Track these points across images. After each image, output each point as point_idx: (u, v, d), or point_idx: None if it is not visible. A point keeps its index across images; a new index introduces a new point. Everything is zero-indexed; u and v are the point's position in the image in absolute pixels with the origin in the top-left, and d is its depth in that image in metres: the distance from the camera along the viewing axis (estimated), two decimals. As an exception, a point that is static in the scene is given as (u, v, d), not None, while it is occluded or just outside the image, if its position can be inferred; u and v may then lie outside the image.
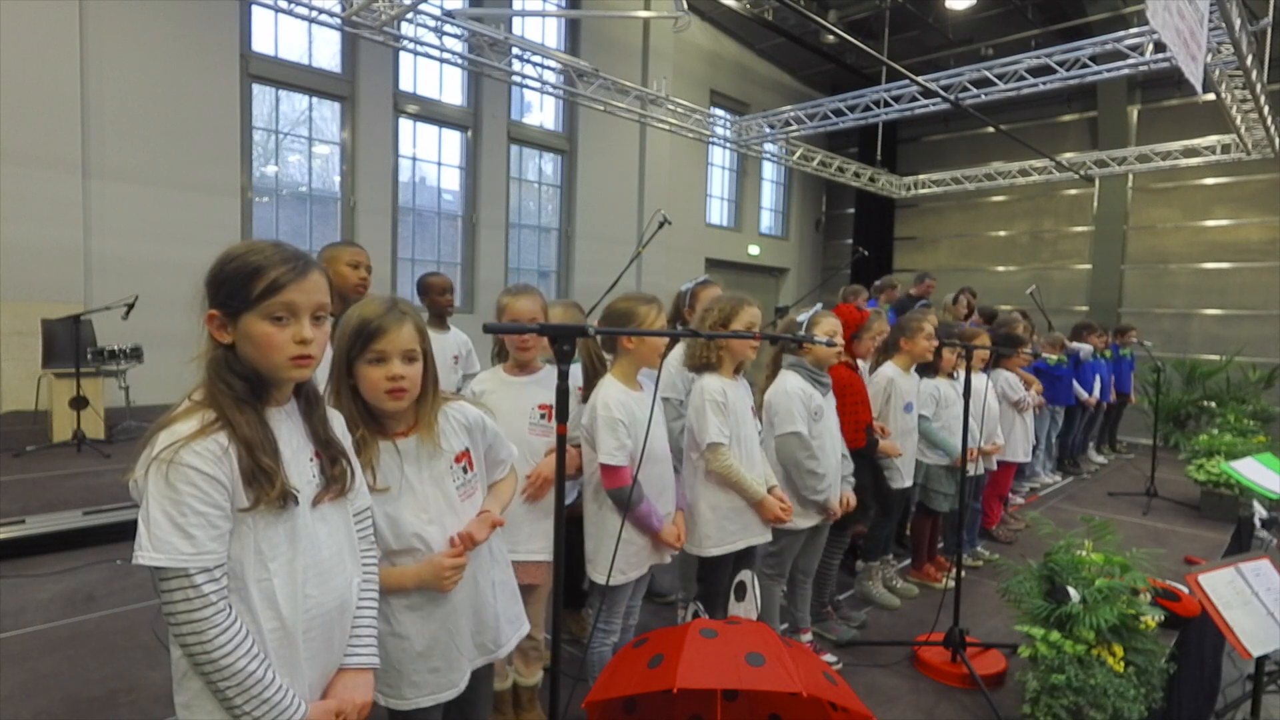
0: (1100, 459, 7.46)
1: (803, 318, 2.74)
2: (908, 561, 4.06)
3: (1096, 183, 11.18)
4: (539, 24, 9.90)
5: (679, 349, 2.95)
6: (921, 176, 12.32)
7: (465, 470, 1.57)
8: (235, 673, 1.07)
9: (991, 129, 9.24)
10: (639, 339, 2.17)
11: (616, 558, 2.02)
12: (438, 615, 1.51)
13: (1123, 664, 2.33)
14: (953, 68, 7.81)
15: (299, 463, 1.20)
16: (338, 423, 1.34)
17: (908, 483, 3.49)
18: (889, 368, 3.52)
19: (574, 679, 2.27)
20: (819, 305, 2.82)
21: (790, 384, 2.72)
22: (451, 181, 9.51)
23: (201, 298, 1.15)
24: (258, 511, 1.12)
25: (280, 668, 1.14)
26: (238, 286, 1.12)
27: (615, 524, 2.12)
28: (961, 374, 3.21)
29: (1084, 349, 6.29)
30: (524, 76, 7.69)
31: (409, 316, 1.46)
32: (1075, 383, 6.35)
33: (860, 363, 3.49)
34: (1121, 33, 6.78)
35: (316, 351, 1.18)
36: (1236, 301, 10.49)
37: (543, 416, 2.22)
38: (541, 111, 10.37)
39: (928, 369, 3.80)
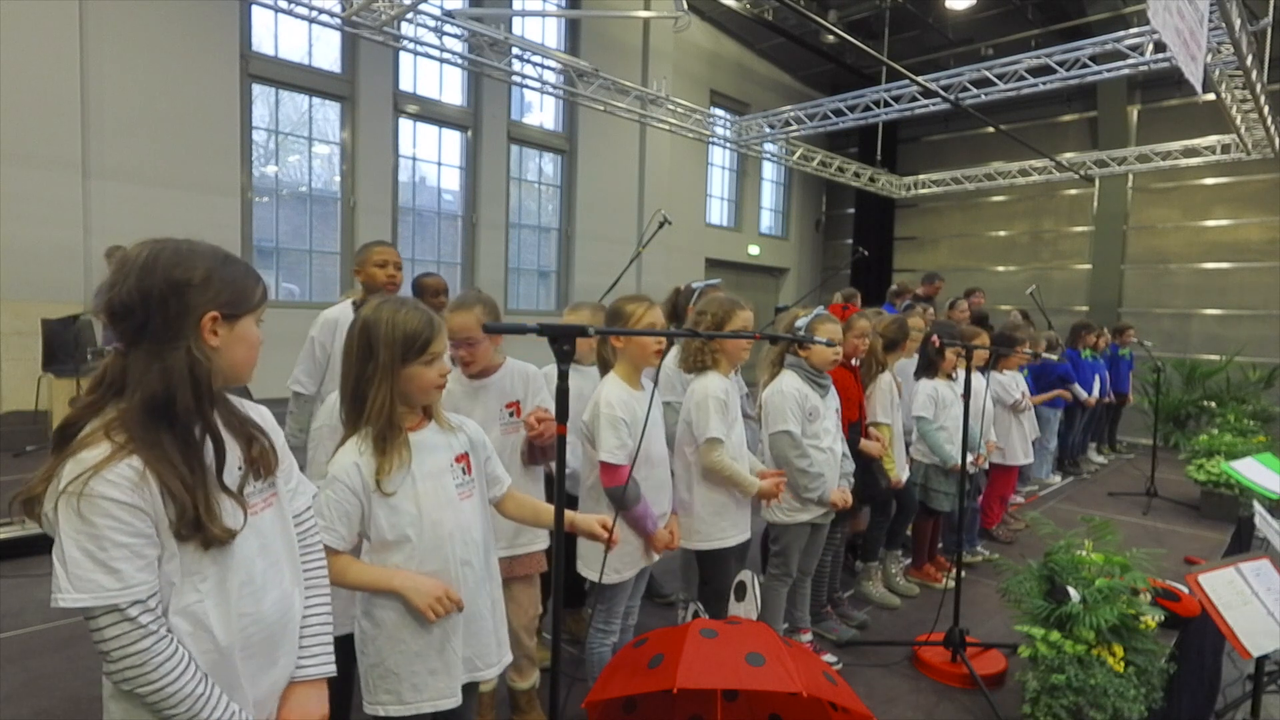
0: (1100, 459, 7.45)
1: (803, 321, 2.75)
2: (908, 562, 4.06)
3: (1096, 183, 11.18)
4: (539, 24, 9.90)
5: (676, 350, 2.96)
6: (921, 176, 12.31)
7: (464, 472, 1.60)
8: (184, 698, 1.03)
9: (991, 129, 9.24)
10: (627, 338, 2.18)
11: (610, 556, 2.02)
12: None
13: (1123, 664, 2.33)
14: (953, 68, 7.81)
15: (229, 470, 1.14)
16: (261, 419, 1.26)
17: (902, 478, 3.50)
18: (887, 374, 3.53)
19: (574, 679, 2.27)
20: (821, 308, 2.83)
21: (786, 384, 2.74)
22: (451, 181, 9.51)
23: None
24: (180, 542, 1.06)
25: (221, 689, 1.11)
26: (245, 288, 1.15)
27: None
28: (960, 375, 3.21)
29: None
30: (524, 76, 7.69)
31: (439, 320, 1.58)
32: (1075, 383, 6.34)
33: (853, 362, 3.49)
34: (1121, 33, 6.78)
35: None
36: (1236, 301, 10.49)
37: (511, 414, 2.20)
38: (541, 111, 10.37)
39: (928, 370, 3.81)
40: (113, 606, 1.00)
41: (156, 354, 1.05)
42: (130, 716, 1.09)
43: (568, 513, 1.65)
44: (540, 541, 2.26)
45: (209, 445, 1.11)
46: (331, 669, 1.29)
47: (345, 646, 1.61)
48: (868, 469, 3.29)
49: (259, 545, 1.17)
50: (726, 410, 2.43)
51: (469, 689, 1.64)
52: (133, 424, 1.03)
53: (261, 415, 1.27)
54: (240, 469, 1.16)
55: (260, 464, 1.18)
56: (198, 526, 1.05)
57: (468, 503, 1.60)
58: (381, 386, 1.47)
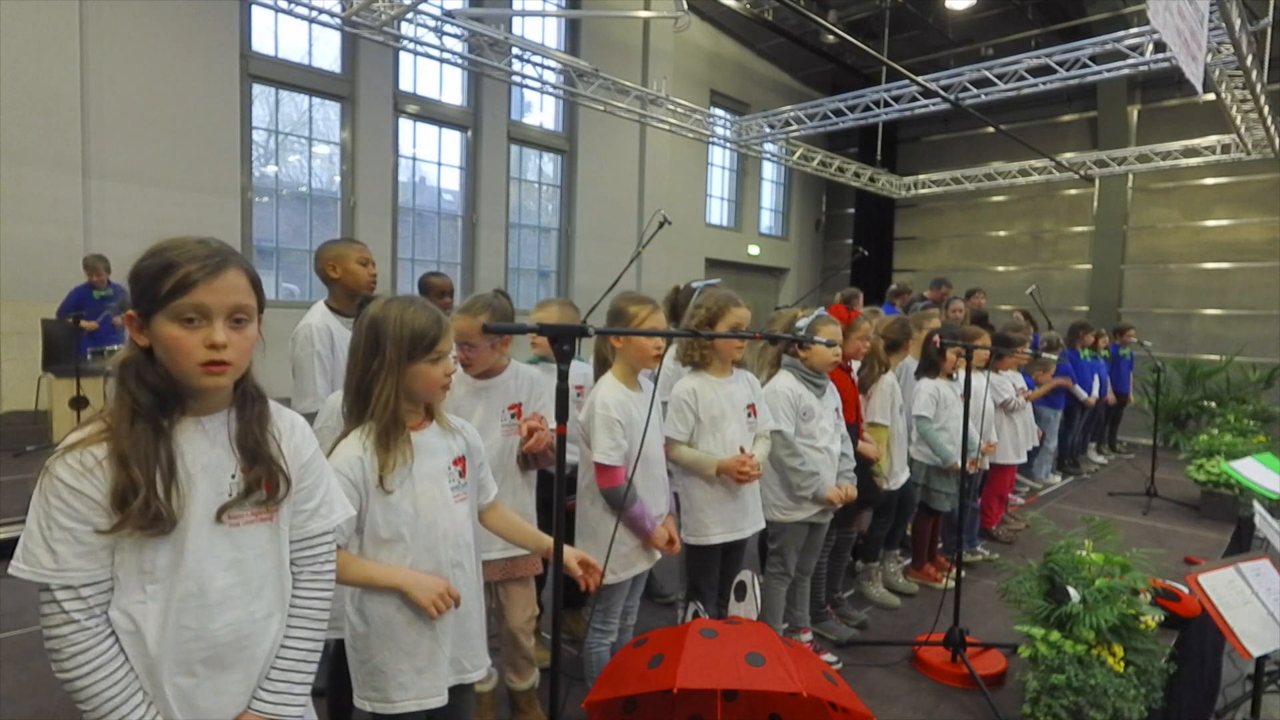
0: (1100, 459, 7.45)
1: (803, 322, 2.76)
2: (908, 562, 4.06)
3: (1096, 183, 11.18)
4: (539, 24, 9.90)
5: (674, 349, 2.96)
6: (921, 176, 12.31)
7: (460, 475, 1.61)
8: (92, 695, 1.03)
9: (991, 129, 9.23)
10: (627, 338, 2.17)
11: (609, 558, 2.03)
12: (423, 616, 1.53)
13: (1123, 664, 2.33)
14: (953, 68, 7.81)
15: (212, 480, 1.11)
16: (291, 434, 1.23)
17: (895, 483, 3.50)
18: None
19: (573, 679, 2.27)
20: (821, 310, 2.83)
21: (780, 384, 2.75)
22: (451, 181, 9.51)
23: (126, 297, 1.09)
24: (124, 531, 1.03)
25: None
26: (149, 284, 1.05)
27: (607, 523, 2.13)
28: (961, 375, 3.21)
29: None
30: (524, 76, 7.69)
31: (446, 319, 1.57)
32: (1075, 383, 6.35)
33: (854, 364, 3.49)
34: (1121, 33, 6.78)
35: (234, 356, 1.08)
36: (1236, 301, 10.49)
37: (513, 416, 2.21)
38: (541, 111, 10.37)
39: (929, 370, 3.81)
40: (45, 585, 1.02)
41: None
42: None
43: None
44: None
45: (192, 442, 1.10)
46: (290, 712, 1.19)
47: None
48: (868, 471, 3.29)
49: (230, 559, 1.13)
50: (693, 410, 2.45)
51: (460, 691, 1.64)
52: (114, 410, 1.06)
53: (293, 425, 1.24)
54: (233, 476, 1.14)
55: (262, 496, 1.16)
56: (126, 504, 1.03)
57: (462, 505, 1.61)
58: (387, 383, 1.48)
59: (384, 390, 1.48)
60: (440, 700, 1.56)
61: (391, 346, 1.48)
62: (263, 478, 1.15)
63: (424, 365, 1.50)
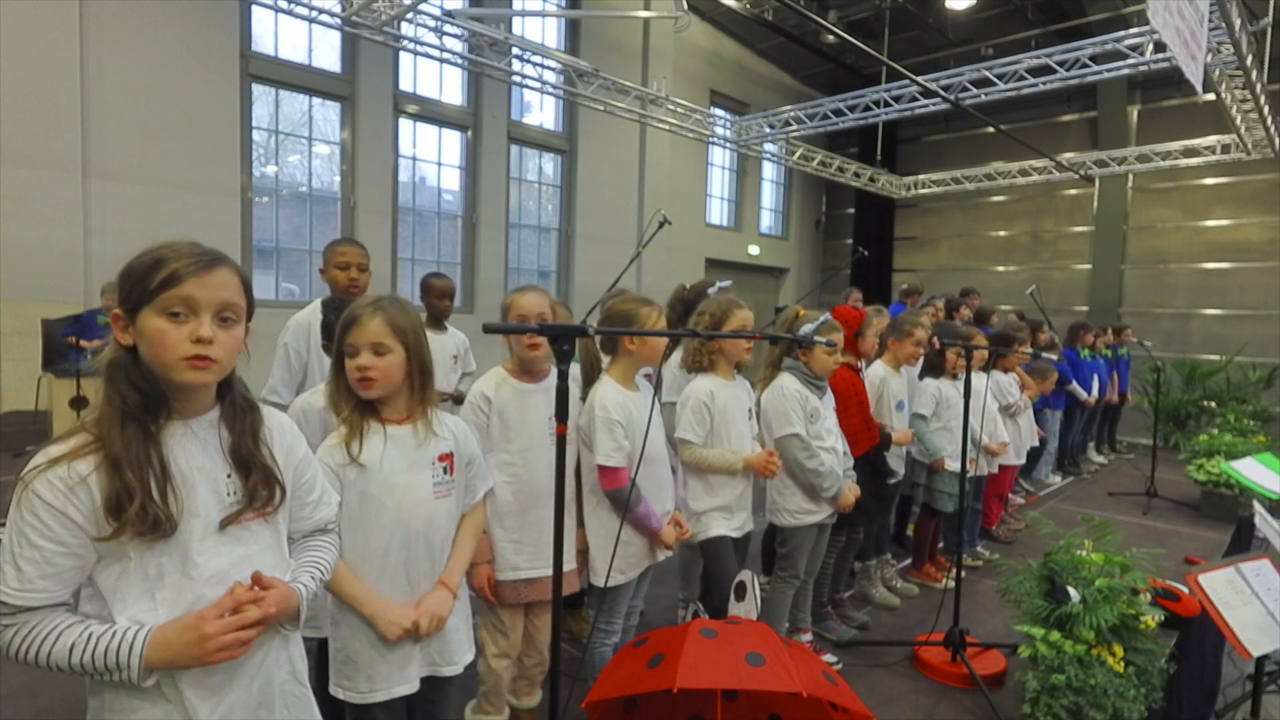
0: (1100, 459, 7.46)
1: (809, 327, 2.75)
2: (908, 562, 4.06)
3: (1096, 183, 11.17)
4: (539, 24, 9.89)
5: (681, 353, 2.96)
6: (921, 176, 12.30)
7: (445, 471, 1.62)
8: (58, 651, 1.00)
9: (991, 129, 9.23)
10: (641, 340, 2.17)
11: (615, 558, 2.03)
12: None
13: (1123, 664, 2.33)
14: (953, 68, 7.80)
15: (208, 482, 1.11)
16: (281, 435, 1.24)
17: (901, 473, 3.51)
18: (879, 366, 3.53)
19: (574, 679, 2.27)
20: (826, 316, 2.83)
21: (787, 386, 2.74)
22: (451, 181, 9.51)
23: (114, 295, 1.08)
24: (124, 539, 1.01)
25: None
26: (138, 279, 1.04)
27: (612, 525, 2.13)
28: (962, 374, 3.22)
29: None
30: (524, 76, 7.69)
31: (381, 310, 1.53)
32: (1074, 383, 6.35)
33: (864, 363, 3.50)
34: (1121, 33, 6.78)
35: (219, 354, 1.07)
36: (1236, 301, 10.48)
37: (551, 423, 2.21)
38: (541, 111, 10.37)
39: (932, 369, 3.81)
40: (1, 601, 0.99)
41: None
42: (104, 714, 1.08)
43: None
44: (569, 561, 2.19)
45: (182, 445, 1.09)
46: (300, 590, 1.20)
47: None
48: (876, 468, 3.29)
49: (240, 555, 1.14)
50: (710, 411, 2.44)
51: (436, 683, 1.66)
52: (104, 414, 1.05)
53: (281, 425, 1.25)
54: (229, 476, 1.14)
55: (258, 502, 1.16)
56: (130, 502, 1.01)
57: (443, 502, 1.61)
58: (337, 373, 1.57)
59: (334, 381, 1.58)
60: (408, 689, 1.59)
61: (336, 339, 1.58)
62: (259, 485, 1.16)
63: (346, 357, 1.55)
